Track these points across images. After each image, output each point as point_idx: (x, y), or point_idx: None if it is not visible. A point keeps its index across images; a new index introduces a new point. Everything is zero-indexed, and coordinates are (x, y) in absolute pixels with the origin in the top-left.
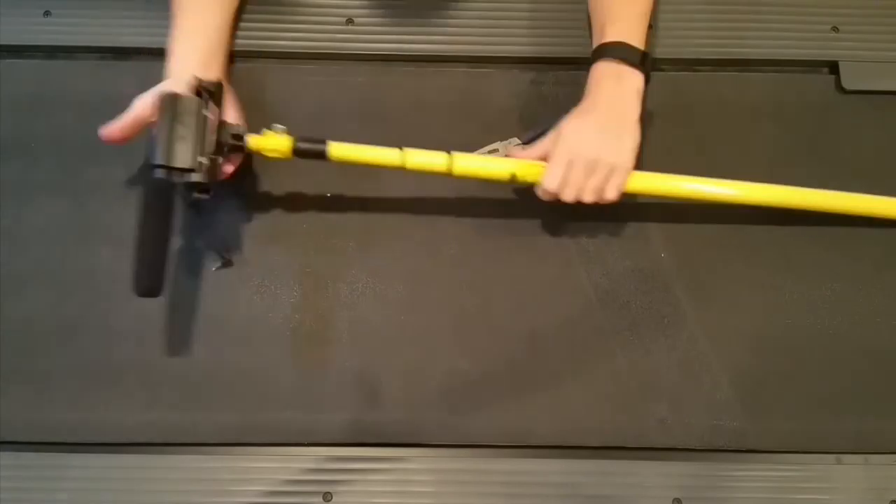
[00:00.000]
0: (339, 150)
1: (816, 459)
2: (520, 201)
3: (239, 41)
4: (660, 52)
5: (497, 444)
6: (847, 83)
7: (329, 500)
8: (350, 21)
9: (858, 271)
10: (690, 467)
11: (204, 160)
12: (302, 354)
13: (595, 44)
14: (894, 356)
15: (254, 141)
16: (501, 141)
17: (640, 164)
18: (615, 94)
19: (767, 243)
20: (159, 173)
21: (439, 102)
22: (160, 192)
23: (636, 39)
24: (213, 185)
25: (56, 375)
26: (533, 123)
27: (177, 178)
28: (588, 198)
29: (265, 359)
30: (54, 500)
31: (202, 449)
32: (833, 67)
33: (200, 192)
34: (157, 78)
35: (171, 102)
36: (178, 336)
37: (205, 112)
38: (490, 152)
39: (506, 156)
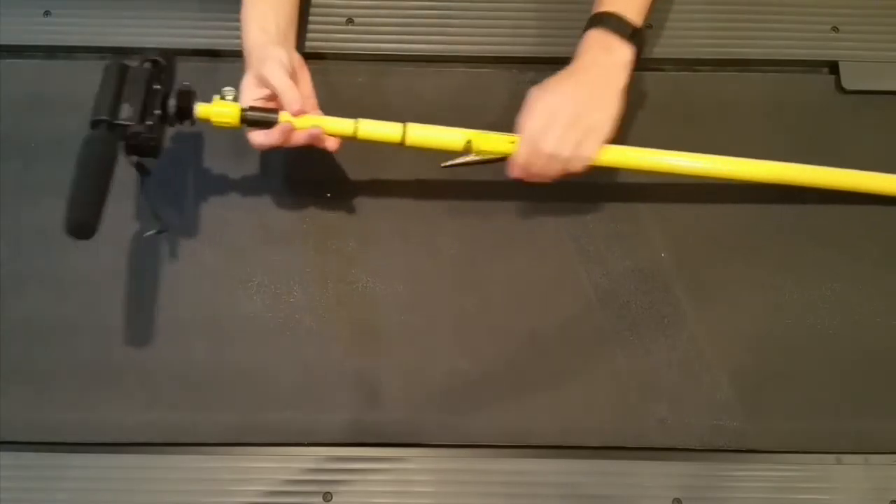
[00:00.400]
0: (289, 119)
1: (816, 459)
2: (520, 201)
3: (239, 41)
4: (660, 52)
5: (497, 444)
6: (847, 83)
7: (329, 500)
8: (350, 21)
9: (858, 271)
10: (690, 467)
11: (150, 122)
12: (302, 354)
13: (593, 11)
14: (894, 356)
15: (202, 109)
16: None
17: None
18: (603, 63)
19: (767, 243)
20: (101, 127)
21: (439, 102)
22: (102, 146)
23: (633, 13)
24: (159, 153)
25: (56, 375)
26: None
27: (119, 134)
28: (565, 151)
29: (265, 359)
30: (54, 500)
31: (202, 449)
32: (833, 67)
33: (143, 155)
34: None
35: (118, 72)
36: (178, 336)
37: (155, 86)
38: None
39: None
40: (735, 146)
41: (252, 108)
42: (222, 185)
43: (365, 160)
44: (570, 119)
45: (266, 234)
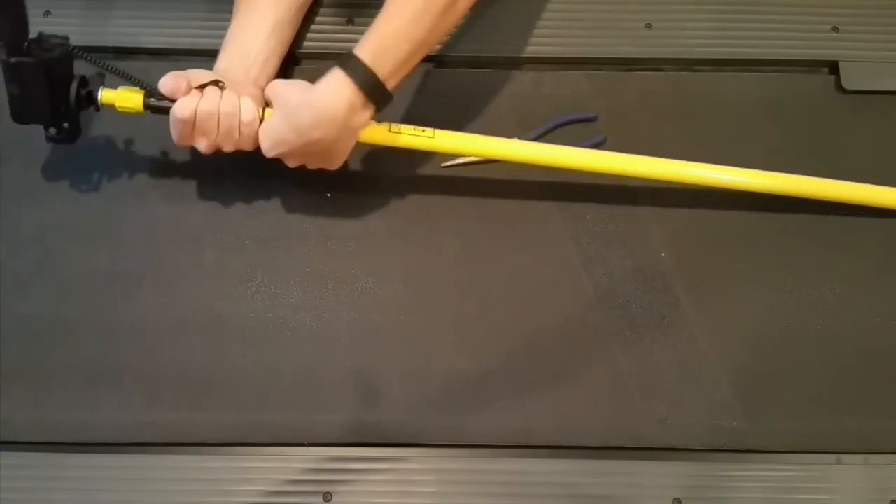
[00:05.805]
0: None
1: (816, 459)
2: (520, 201)
3: None
4: (660, 52)
5: (497, 444)
6: (847, 83)
7: (329, 500)
8: (350, 21)
9: (858, 271)
10: (690, 467)
11: (64, 124)
12: (302, 354)
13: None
14: (894, 356)
15: (107, 95)
16: None
17: None
18: (343, 123)
19: (767, 243)
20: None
21: (440, 102)
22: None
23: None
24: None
25: (56, 375)
26: (533, 123)
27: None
28: (311, 166)
29: (265, 359)
30: (54, 500)
31: (202, 449)
32: (833, 67)
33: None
34: (158, 78)
35: (15, 70)
36: (178, 336)
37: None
38: None
39: None
40: (735, 146)
41: (157, 95)
42: (222, 185)
43: (365, 160)
44: (301, 154)
45: (266, 234)
